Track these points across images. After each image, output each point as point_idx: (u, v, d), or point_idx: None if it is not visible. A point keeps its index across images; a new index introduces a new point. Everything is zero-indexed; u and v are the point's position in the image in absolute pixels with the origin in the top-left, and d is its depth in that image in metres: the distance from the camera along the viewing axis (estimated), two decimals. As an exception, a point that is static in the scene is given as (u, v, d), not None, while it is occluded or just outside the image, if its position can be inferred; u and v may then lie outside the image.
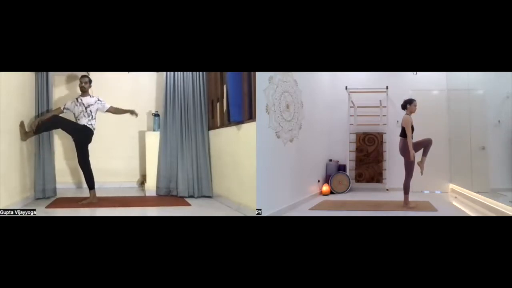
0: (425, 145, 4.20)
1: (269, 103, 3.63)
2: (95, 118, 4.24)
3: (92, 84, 4.33)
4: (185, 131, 4.70)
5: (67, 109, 4.31)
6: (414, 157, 4.08)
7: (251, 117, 3.59)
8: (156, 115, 5.18)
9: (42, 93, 4.34)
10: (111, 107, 4.37)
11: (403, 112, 4.21)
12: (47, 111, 4.33)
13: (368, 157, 5.95)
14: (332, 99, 6.07)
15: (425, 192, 5.54)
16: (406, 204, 4.17)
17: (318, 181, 5.49)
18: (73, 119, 4.26)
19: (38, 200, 4.21)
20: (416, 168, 4.15)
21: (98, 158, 4.29)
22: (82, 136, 4.14)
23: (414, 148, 4.10)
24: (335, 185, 5.69)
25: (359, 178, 5.94)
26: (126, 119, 4.59)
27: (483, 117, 4.69)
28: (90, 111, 4.21)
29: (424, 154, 4.20)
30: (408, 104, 4.14)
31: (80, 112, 4.21)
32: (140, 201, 4.47)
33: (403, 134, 4.11)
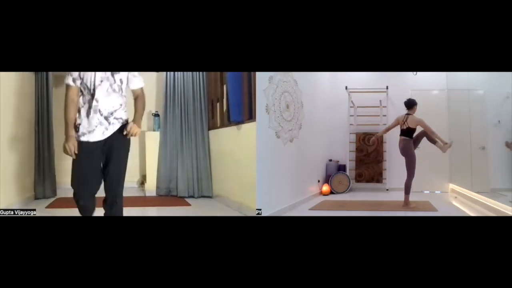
0: (424, 135, 4.17)
1: (269, 103, 3.63)
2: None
3: None
4: (185, 131, 4.71)
5: (81, 80, 2.54)
6: (415, 157, 4.08)
7: (251, 117, 3.59)
8: (156, 115, 5.18)
9: (42, 93, 4.35)
10: (141, 90, 2.63)
11: (404, 112, 4.20)
12: (48, 111, 4.33)
13: (368, 157, 5.95)
14: (332, 99, 6.07)
15: (425, 192, 5.54)
16: (406, 204, 4.17)
17: (318, 181, 5.49)
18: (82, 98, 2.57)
19: (38, 200, 4.21)
20: (417, 168, 4.14)
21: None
22: (128, 143, 2.62)
23: (414, 142, 4.10)
24: (335, 185, 5.69)
25: (359, 178, 5.93)
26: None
27: (483, 117, 4.69)
28: (121, 84, 2.54)
29: (433, 142, 4.15)
30: (415, 105, 4.15)
31: (108, 87, 2.48)
32: (140, 201, 4.47)
33: (405, 134, 4.10)
